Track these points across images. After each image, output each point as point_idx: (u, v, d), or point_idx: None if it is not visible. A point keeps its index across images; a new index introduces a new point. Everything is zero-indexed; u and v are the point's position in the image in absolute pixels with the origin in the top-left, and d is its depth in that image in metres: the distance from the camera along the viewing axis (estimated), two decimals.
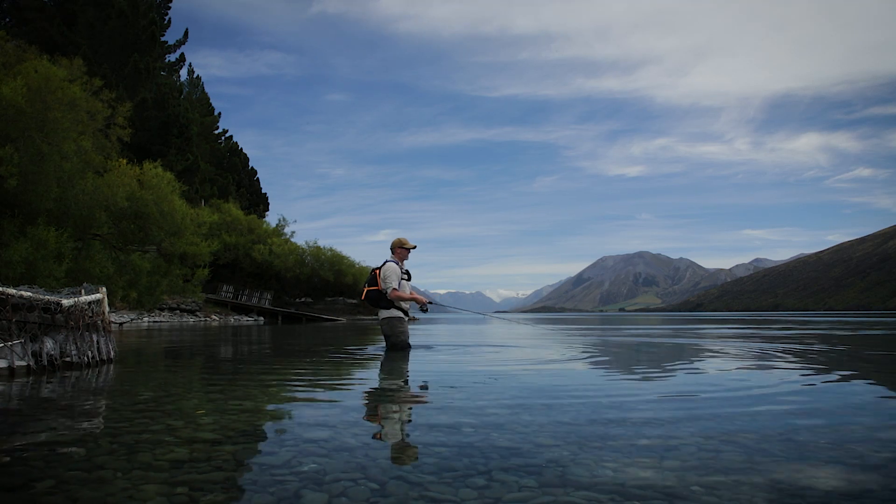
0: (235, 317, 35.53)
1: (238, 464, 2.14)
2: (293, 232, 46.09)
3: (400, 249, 7.20)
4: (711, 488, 1.83)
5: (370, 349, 8.04)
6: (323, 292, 44.86)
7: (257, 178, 55.74)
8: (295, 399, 3.80)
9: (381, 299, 7.09)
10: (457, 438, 2.49)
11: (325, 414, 3.14)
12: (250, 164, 55.00)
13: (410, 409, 3.40)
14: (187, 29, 42.55)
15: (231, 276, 40.38)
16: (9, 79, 16.85)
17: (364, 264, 46.19)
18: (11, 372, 4.82)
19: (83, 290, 5.85)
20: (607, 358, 6.64)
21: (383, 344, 7.64)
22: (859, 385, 4.31)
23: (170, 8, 38.55)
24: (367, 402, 3.64)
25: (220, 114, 51.49)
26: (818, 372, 5.00)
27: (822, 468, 2.05)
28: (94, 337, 5.72)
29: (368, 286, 7.20)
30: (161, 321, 26.33)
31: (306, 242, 45.50)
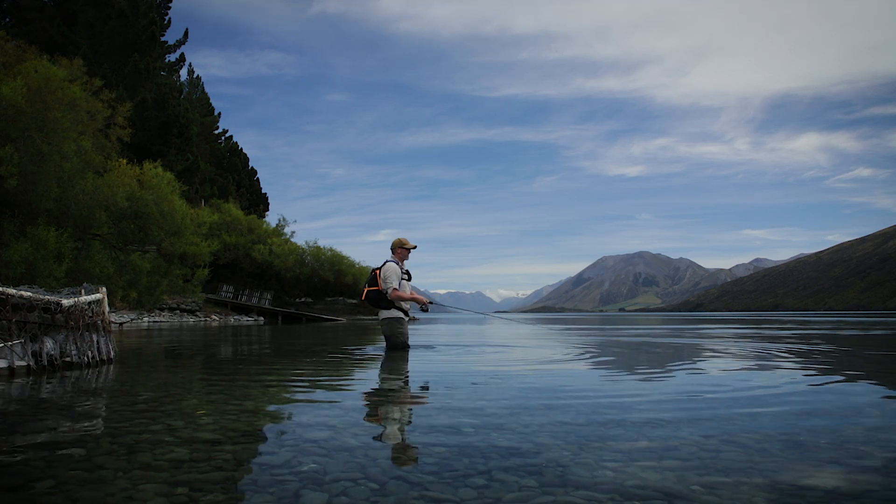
0: (235, 317, 35.53)
1: (238, 464, 2.14)
2: (293, 232, 46.12)
3: (400, 249, 7.20)
4: (711, 488, 1.83)
5: (370, 349, 8.04)
6: (323, 292, 44.86)
7: (257, 178, 55.74)
8: (295, 399, 3.80)
9: (382, 299, 7.09)
10: (457, 438, 2.49)
11: (325, 414, 3.14)
12: (250, 164, 55.02)
13: (410, 409, 3.40)
14: (187, 29, 42.60)
15: (231, 276, 40.38)
16: (9, 79, 16.85)
17: (364, 264, 46.22)
18: (11, 372, 4.82)
19: (83, 290, 5.85)
20: (607, 358, 6.64)
21: (383, 344, 7.64)
22: (860, 385, 4.31)
23: (170, 8, 38.58)
24: (367, 402, 3.64)
25: (220, 114, 51.52)
26: (818, 372, 5.00)
27: (822, 468, 2.05)
28: (94, 337, 5.72)
29: (368, 286, 7.20)
30: (161, 321, 26.33)
31: (306, 242, 45.53)
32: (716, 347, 8.31)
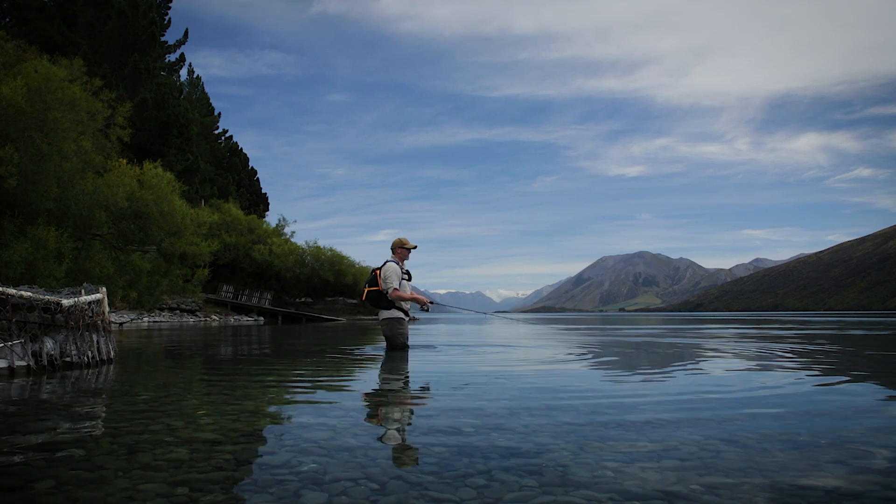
0: (235, 317, 35.53)
1: (238, 464, 2.13)
2: (293, 232, 46.13)
3: (400, 249, 7.20)
4: (712, 488, 1.82)
5: (370, 349, 8.04)
6: (323, 292, 44.86)
7: (257, 178, 55.75)
8: (295, 399, 3.80)
9: (382, 300, 7.09)
10: (457, 438, 2.49)
11: (325, 414, 3.14)
12: (250, 164, 55.02)
13: (410, 409, 3.40)
14: (187, 29, 42.60)
15: (231, 276, 40.38)
16: (9, 79, 16.85)
17: (364, 264, 46.23)
18: (11, 372, 4.82)
19: (83, 290, 5.85)
20: (607, 358, 6.64)
21: (383, 344, 7.64)
22: (860, 385, 4.31)
23: (170, 8, 38.58)
24: (367, 402, 3.64)
25: (220, 114, 51.52)
26: (819, 372, 5.00)
27: (822, 468, 2.05)
28: (94, 337, 5.72)
29: (369, 286, 7.20)
30: (161, 321, 26.33)
31: (306, 242, 45.54)
32: (716, 347, 8.31)
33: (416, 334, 12.61)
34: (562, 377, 4.92)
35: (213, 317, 33.19)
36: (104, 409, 3.37)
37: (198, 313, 32.46)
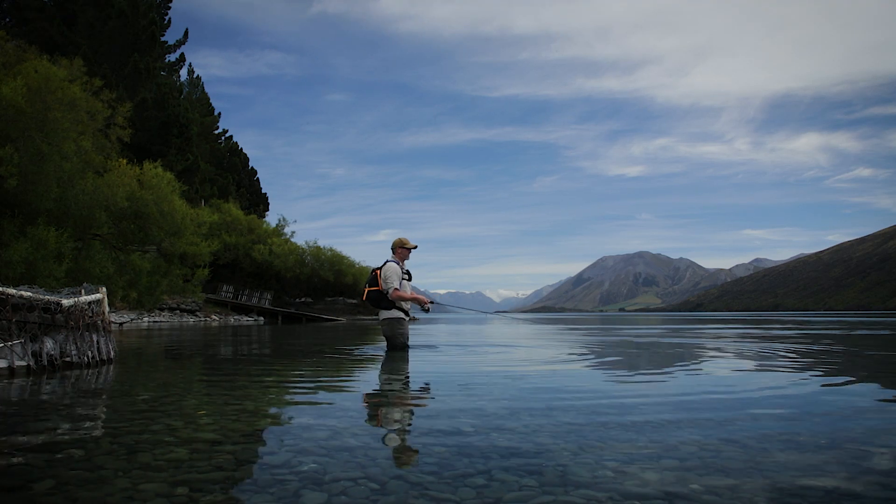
0: (235, 317, 35.53)
1: (238, 464, 2.13)
2: (293, 232, 46.15)
3: (401, 249, 7.20)
4: (711, 488, 1.82)
5: (370, 349, 8.04)
6: (323, 292, 44.87)
7: (257, 178, 55.75)
8: (295, 399, 3.81)
9: (382, 300, 7.09)
10: (457, 438, 2.49)
11: (325, 414, 3.14)
12: (250, 164, 55.03)
13: (410, 409, 3.40)
14: (187, 29, 42.61)
15: (231, 276, 40.39)
16: (9, 79, 16.85)
17: (364, 264, 46.25)
18: (11, 372, 4.82)
19: (83, 290, 5.85)
20: (607, 358, 6.64)
21: (383, 344, 7.64)
22: (861, 386, 4.31)
23: (170, 8, 38.58)
24: (367, 402, 3.64)
25: (220, 114, 51.54)
26: (819, 372, 5.00)
27: (822, 469, 2.05)
28: (94, 337, 5.72)
29: (369, 286, 7.19)
30: (161, 321, 26.33)
31: (306, 242, 45.56)
32: (715, 347, 8.31)
33: (417, 334, 12.61)
34: (562, 377, 4.92)
35: (213, 317, 33.19)
36: (104, 409, 3.37)
37: (198, 313, 32.46)
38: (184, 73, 48.71)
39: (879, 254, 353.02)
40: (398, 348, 7.17)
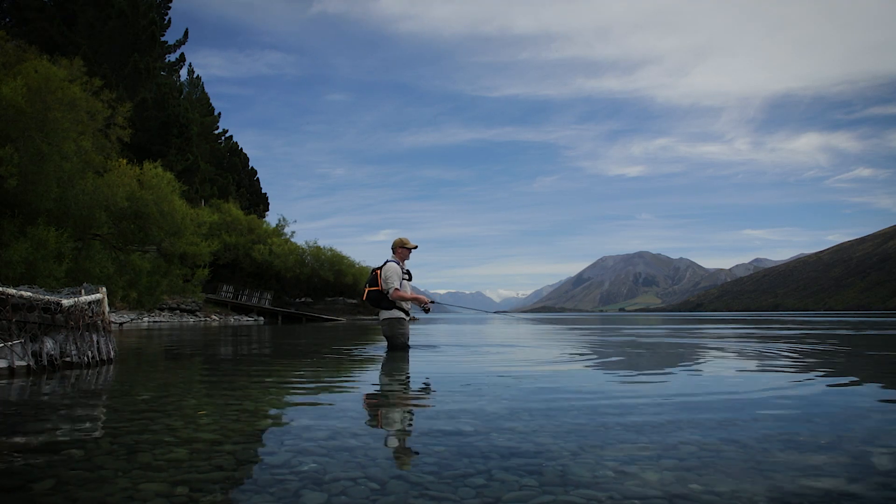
0: (235, 317, 35.54)
1: (238, 463, 2.13)
2: (293, 232, 46.17)
3: (401, 249, 7.20)
4: (712, 488, 1.82)
5: (370, 349, 8.04)
6: (323, 292, 44.87)
7: (257, 178, 55.76)
8: (295, 399, 3.81)
9: (383, 300, 7.08)
10: (457, 438, 2.49)
11: (325, 414, 3.14)
12: (250, 164, 55.04)
13: (410, 409, 3.40)
14: (187, 29, 42.62)
15: (231, 276, 40.39)
16: (9, 79, 16.85)
17: (364, 264, 46.28)
18: (11, 372, 4.82)
19: (83, 290, 5.85)
20: (608, 358, 6.64)
21: (383, 344, 7.64)
22: (861, 386, 4.31)
23: (170, 8, 38.59)
24: (367, 402, 3.64)
25: (220, 114, 51.54)
26: (820, 373, 5.00)
27: (822, 469, 2.05)
28: (94, 337, 5.72)
29: (369, 286, 7.19)
30: (161, 321, 26.33)
31: (306, 242, 45.58)
32: (716, 348, 8.31)
33: (417, 334, 12.61)
34: (562, 377, 4.91)
35: (213, 317, 33.19)
36: (104, 409, 3.36)
37: (198, 313, 32.46)
38: (184, 73, 48.77)
39: (879, 254, 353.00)
40: (399, 348, 7.17)
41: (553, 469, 2.03)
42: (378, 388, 4.36)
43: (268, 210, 55.53)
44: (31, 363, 5.00)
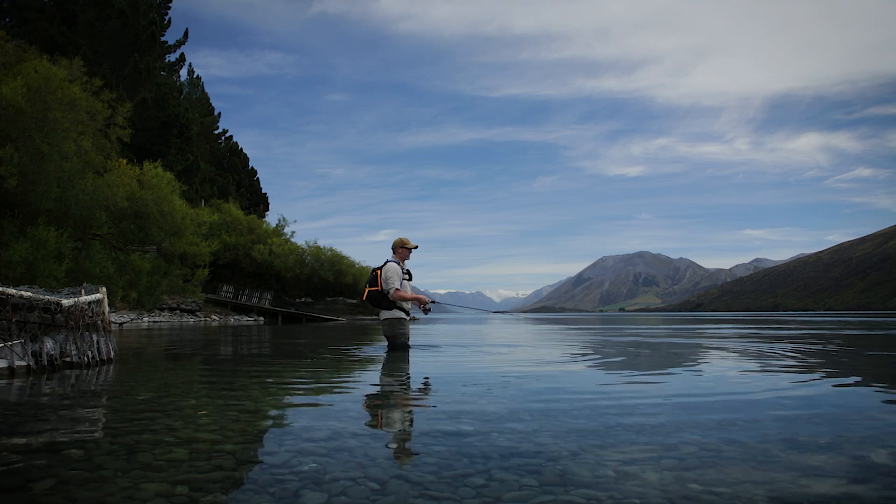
0: (235, 317, 35.53)
1: (238, 463, 2.13)
2: (293, 232, 46.16)
3: (401, 249, 7.20)
4: (711, 489, 1.82)
5: (370, 349, 8.04)
6: (323, 292, 44.87)
7: (257, 178, 55.75)
8: (295, 399, 3.81)
9: (383, 300, 7.08)
10: (457, 438, 2.49)
11: (325, 414, 3.14)
12: (250, 164, 55.04)
13: (411, 409, 3.40)
14: (187, 29, 42.63)
15: (231, 276, 40.39)
16: (9, 79, 16.85)
17: (364, 264, 46.28)
18: (11, 372, 4.82)
19: (83, 290, 5.85)
20: (608, 358, 6.64)
21: (383, 344, 7.63)
22: (861, 386, 4.30)
23: (170, 8, 38.59)
24: (367, 402, 3.64)
25: (220, 114, 51.54)
26: (820, 373, 5.00)
27: (822, 469, 2.05)
28: (94, 337, 5.72)
29: (369, 286, 7.19)
30: (161, 321, 26.33)
31: (306, 242, 45.58)
32: (716, 348, 8.31)
33: (417, 334, 12.61)
34: (562, 377, 4.92)
35: (213, 317, 33.19)
36: (104, 409, 3.37)
37: (198, 313, 32.46)
38: (184, 73, 48.77)
39: (879, 254, 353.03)
40: (399, 348, 7.17)
41: (553, 469, 2.03)
42: (378, 388, 4.36)
43: (268, 210, 55.56)
44: (31, 363, 5.00)
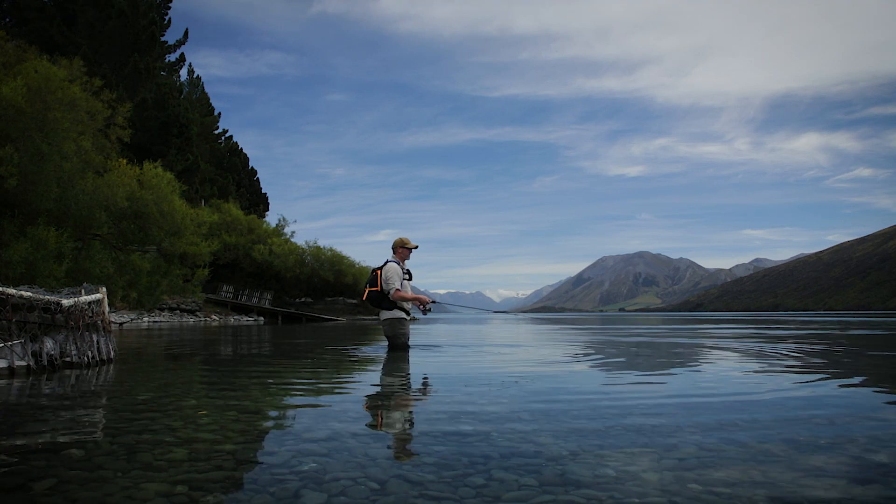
0: (235, 317, 35.53)
1: (238, 463, 2.13)
2: (293, 232, 46.18)
3: (402, 249, 7.20)
4: (711, 489, 1.82)
5: (370, 349, 8.04)
6: (323, 292, 44.88)
7: (257, 178, 55.76)
8: (295, 399, 3.81)
9: (383, 300, 7.08)
10: (457, 438, 2.49)
11: (325, 414, 3.14)
12: (250, 164, 55.05)
13: (411, 409, 3.40)
14: (187, 29, 42.65)
15: (231, 276, 40.39)
16: (9, 79, 16.85)
17: (364, 264, 46.29)
18: (11, 372, 4.82)
19: (83, 290, 5.85)
20: (608, 358, 6.64)
21: (383, 344, 7.63)
22: (861, 386, 4.30)
23: (170, 8, 38.60)
24: (367, 402, 3.64)
25: (220, 114, 51.56)
26: (820, 373, 5.00)
27: (823, 469, 2.05)
28: (94, 337, 5.72)
29: (370, 287, 7.19)
30: (161, 321, 26.33)
31: (306, 242, 45.59)
32: (716, 348, 8.31)
33: (418, 334, 12.61)
34: (562, 377, 4.92)
35: (213, 317, 33.19)
36: (104, 409, 3.37)
37: (198, 313, 32.46)
38: (184, 73, 48.79)
39: (879, 254, 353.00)
40: (399, 348, 7.17)
41: (553, 469, 2.03)
42: (378, 388, 4.36)
43: (268, 210, 55.56)
44: (31, 363, 5.00)
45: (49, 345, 5.19)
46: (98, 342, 5.76)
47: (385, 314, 7.19)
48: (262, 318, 36.39)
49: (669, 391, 3.95)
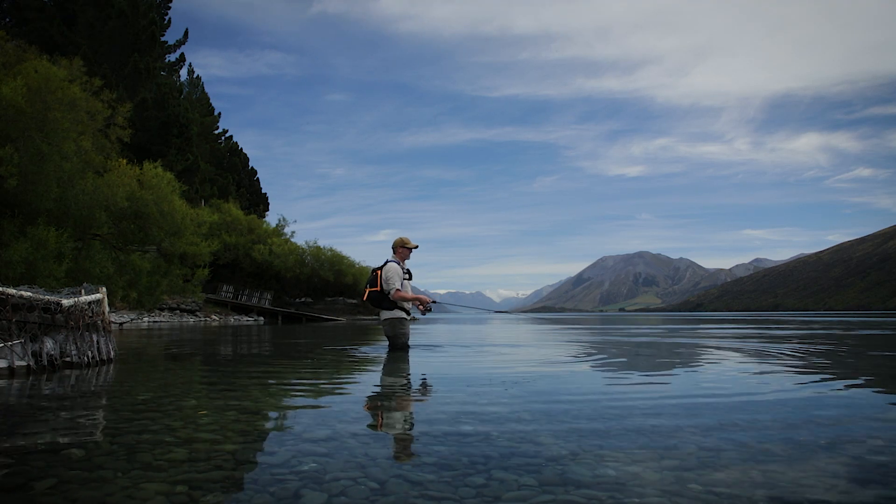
0: (235, 317, 35.53)
1: (238, 463, 2.13)
2: (293, 232, 46.19)
3: (402, 249, 7.20)
4: (711, 489, 1.82)
5: (370, 349, 8.04)
6: (323, 292, 44.88)
7: (257, 178, 55.76)
8: (295, 399, 3.80)
9: (384, 300, 7.08)
10: (457, 438, 2.49)
11: (324, 413, 3.14)
12: (250, 164, 55.05)
13: (411, 409, 3.40)
14: (187, 29, 42.65)
15: (231, 276, 40.39)
16: (9, 79, 16.85)
17: (364, 264, 46.30)
18: (11, 372, 4.82)
19: (83, 290, 5.85)
20: (608, 358, 6.64)
21: (383, 344, 7.63)
22: (861, 386, 4.30)
23: (170, 8, 38.60)
24: (367, 402, 3.64)
25: (220, 114, 51.56)
26: (820, 373, 5.00)
27: (823, 469, 2.05)
28: (94, 337, 5.72)
29: (370, 287, 7.19)
30: (161, 321, 26.33)
31: (306, 242, 45.60)
32: (716, 348, 8.31)
33: (418, 334, 12.61)
34: (562, 378, 4.91)
35: (213, 317, 33.19)
36: (104, 409, 3.36)
37: (198, 313, 32.46)
38: (184, 73, 48.80)
39: (879, 254, 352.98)
40: (399, 348, 7.17)
41: (553, 469, 2.03)
42: (378, 388, 4.36)
43: (268, 210, 55.57)
44: (31, 363, 5.00)
45: (49, 345, 5.19)
46: (98, 342, 5.76)
47: (385, 314, 7.19)
48: (262, 318, 36.39)
49: (670, 391, 3.95)
